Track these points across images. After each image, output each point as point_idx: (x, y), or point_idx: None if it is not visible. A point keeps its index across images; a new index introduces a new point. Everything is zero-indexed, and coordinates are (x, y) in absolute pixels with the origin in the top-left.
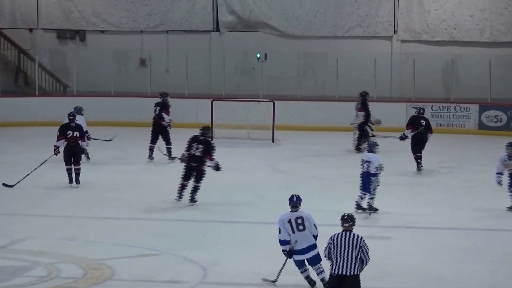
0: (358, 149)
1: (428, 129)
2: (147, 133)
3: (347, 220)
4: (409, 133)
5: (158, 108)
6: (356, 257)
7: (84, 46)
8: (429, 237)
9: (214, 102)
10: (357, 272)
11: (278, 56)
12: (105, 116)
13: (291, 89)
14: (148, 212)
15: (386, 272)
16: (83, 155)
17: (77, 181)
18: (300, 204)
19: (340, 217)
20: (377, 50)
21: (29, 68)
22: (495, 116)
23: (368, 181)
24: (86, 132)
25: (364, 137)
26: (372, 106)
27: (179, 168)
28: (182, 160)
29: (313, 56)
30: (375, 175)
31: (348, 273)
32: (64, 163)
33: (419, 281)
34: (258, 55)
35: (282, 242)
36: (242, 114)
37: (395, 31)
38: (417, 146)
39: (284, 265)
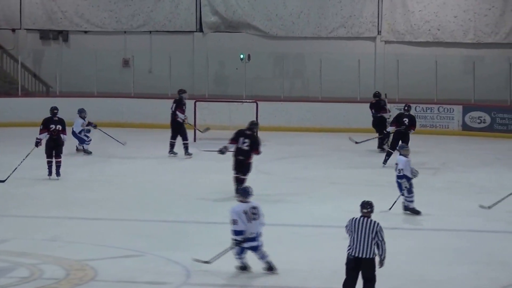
0: (382, 149)
1: (411, 126)
2: (130, 133)
3: (366, 206)
4: (392, 130)
5: (174, 105)
6: (372, 241)
7: (67, 46)
8: (414, 238)
9: (197, 103)
10: (373, 255)
11: (262, 57)
12: (88, 117)
13: (275, 90)
14: (130, 213)
15: None
16: (83, 150)
17: (58, 174)
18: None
19: (360, 204)
20: (361, 51)
21: (12, 68)
22: (479, 117)
23: (398, 184)
24: (91, 125)
25: (386, 137)
26: (356, 106)
27: (164, 168)
28: (221, 152)
29: (296, 56)
30: (400, 177)
31: (364, 256)
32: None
33: (403, 282)
34: (242, 56)
35: (238, 233)
36: (225, 115)
37: (379, 32)
38: (395, 144)
39: (226, 251)
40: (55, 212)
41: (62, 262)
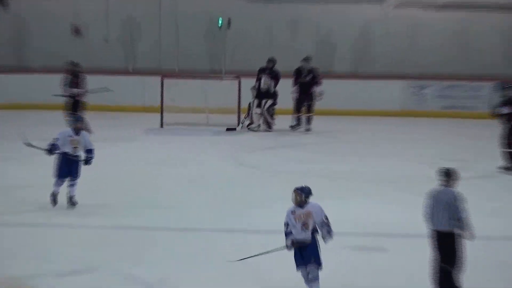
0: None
1: None
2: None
3: (441, 175)
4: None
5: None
6: (445, 212)
7: (6, 12)
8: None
9: (164, 80)
10: (450, 228)
11: (245, 23)
12: (32, 97)
13: (261, 63)
14: (78, 217)
15: None
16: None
17: None
18: None
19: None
20: (368, 16)
21: None
22: None
23: None
24: None
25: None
26: (365, 83)
27: (125, 157)
28: None
29: (288, 23)
30: None
31: (439, 228)
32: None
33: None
34: (220, 22)
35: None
36: (200, 95)
37: None
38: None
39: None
40: None
41: None
